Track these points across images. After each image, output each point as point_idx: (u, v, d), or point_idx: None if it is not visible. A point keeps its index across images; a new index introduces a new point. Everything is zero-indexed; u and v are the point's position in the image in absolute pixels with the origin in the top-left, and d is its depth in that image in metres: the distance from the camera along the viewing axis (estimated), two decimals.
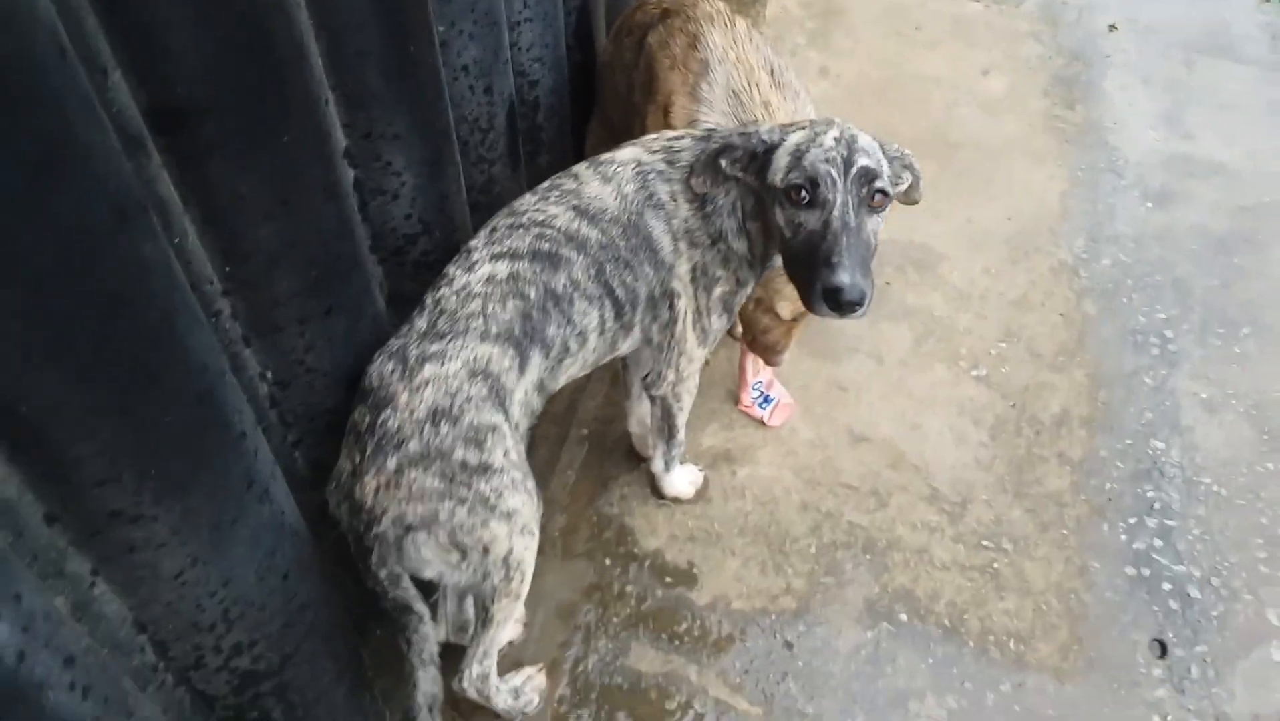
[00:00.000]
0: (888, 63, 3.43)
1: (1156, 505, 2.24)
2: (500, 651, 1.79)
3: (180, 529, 1.07)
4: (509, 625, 1.75)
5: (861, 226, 1.56)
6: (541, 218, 1.63)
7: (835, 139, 1.56)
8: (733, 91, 2.02)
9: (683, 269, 1.74)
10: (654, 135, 1.79)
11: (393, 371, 1.41)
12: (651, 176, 1.68)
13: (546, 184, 1.71)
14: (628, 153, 1.72)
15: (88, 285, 0.86)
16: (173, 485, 1.03)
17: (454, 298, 1.51)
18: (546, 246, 1.60)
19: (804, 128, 1.61)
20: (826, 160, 1.54)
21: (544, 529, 1.83)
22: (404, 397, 1.39)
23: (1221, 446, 2.36)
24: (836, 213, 1.54)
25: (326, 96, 1.30)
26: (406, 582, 1.47)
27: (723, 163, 1.62)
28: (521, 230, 1.61)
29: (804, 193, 1.55)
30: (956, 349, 2.54)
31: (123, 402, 0.94)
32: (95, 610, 1.06)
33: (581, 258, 1.62)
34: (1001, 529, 2.20)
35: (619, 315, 1.70)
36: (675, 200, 1.68)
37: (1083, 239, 2.83)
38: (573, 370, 1.72)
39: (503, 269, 1.56)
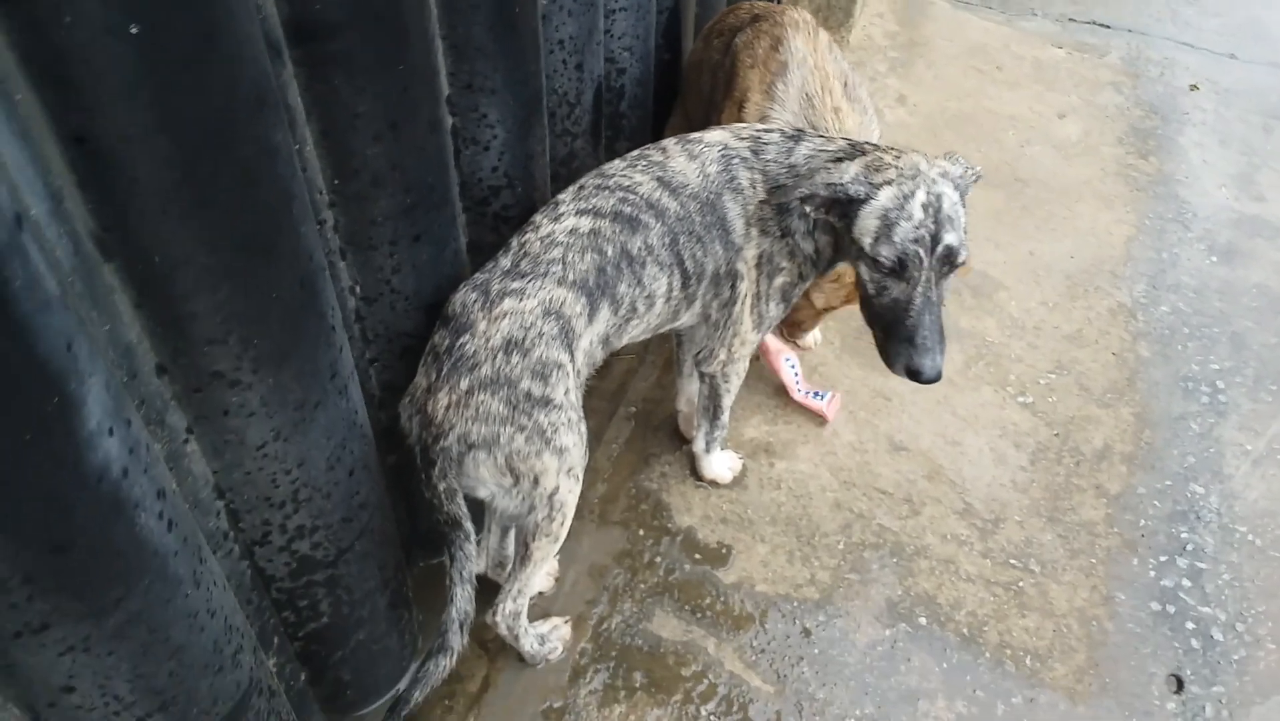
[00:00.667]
0: (965, 97, 3.49)
1: (1189, 546, 2.25)
2: (530, 600, 1.88)
3: (269, 401, 1.18)
4: (543, 569, 1.84)
5: (941, 296, 1.68)
6: (627, 183, 1.73)
7: (924, 206, 1.59)
8: (806, 94, 2.11)
9: (750, 253, 1.82)
10: (744, 125, 1.89)
11: (475, 301, 1.53)
12: (735, 161, 1.77)
13: (635, 153, 1.82)
14: (716, 135, 1.81)
15: (229, 156, 0.98)
16: (270, 357, 1.14)
17: (538, 243, 1.62)
18: (628, 210, 1.70)
19: (892, 181, 1.61)
20: (916, 240, 1.58)
21: (584, 495, 1.92)
22: (482, 326, 1.50)
23: (1261, 498, 2.36)
24: (920, 289, 1.63)
25: (439, 40, 1.41)
26: (461, 499, 1.57)
27: (807, 209, 1.68)
28: (607, 191, 1.71)
29: (891, 264, 1.62)
30: (1006, 374, 2.58)
31: (241, 268, 1.05)
32: (184, 465, 1.18)
33: (659, 225, 1.71)
34: (1031, 550, 2.22)
35: (685, 286, 1.79)
36: (754, 188, 1.77)
37: (1144, 284, 2.85)
38: (635, 331, 1.81)
39: (586, 224, 1.66)
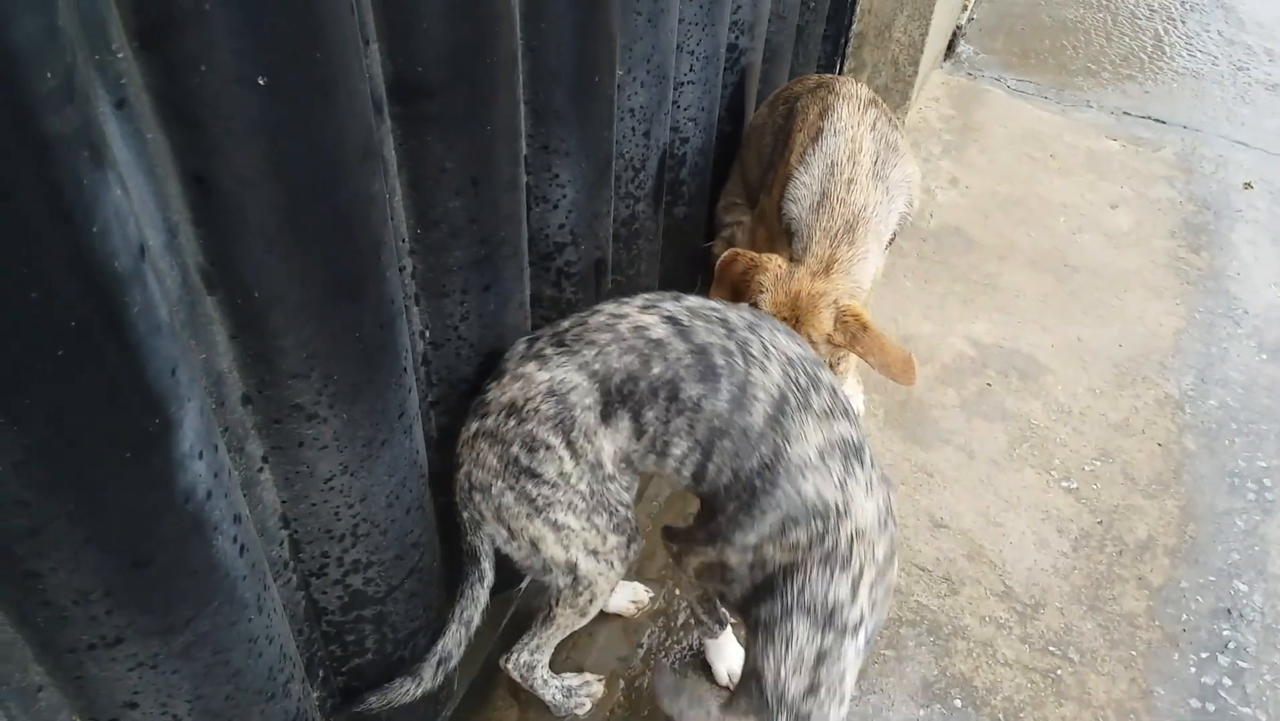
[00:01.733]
0: (1018, 182, 3.54)
1: (1231, 644, 2.21)
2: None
3: (341, 435, 1.23)
4: (561, 634, 1.82)
5: None
6: (741, 336, 1.53)
7: None
8: (831, 162, 2.18)
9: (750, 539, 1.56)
10: None
11: (517, 353, 1.57)
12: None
13: (753, 314, 1.62)
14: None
15: (331, 202, 1.04)
16: (347, 393, 1.19)
17: (600, 321, 1.56)
18: (717, 358, 1.50)
19: None
20: None
21: None
22: (506, 379, 1.54)
23: None
24: None
25: (522, 105, 1.49)
26: (484, 534, 1.62)
27: None
28: (713, 323, 1.54)
29: None
30: (1050, 458, 2.57)
31: (330, 308, 1.11)
32: (256, 493, 1.22)
33: (722, 403, 1.49)
34: (1070, 638, 2.19)
35: (696, 478, 1.58)
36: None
37: (1192, 376, 2.84)
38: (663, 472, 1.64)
39: (660, 331, 1.52)
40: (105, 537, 0.92)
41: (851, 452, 1.48)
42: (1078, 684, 2.11)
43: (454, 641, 1.65)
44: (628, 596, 2.14)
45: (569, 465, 1.54)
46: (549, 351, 1.55)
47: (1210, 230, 3.43)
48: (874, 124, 2.26)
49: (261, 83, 0.93)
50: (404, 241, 1.36)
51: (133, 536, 0.94)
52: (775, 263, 2.09)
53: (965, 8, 4.40)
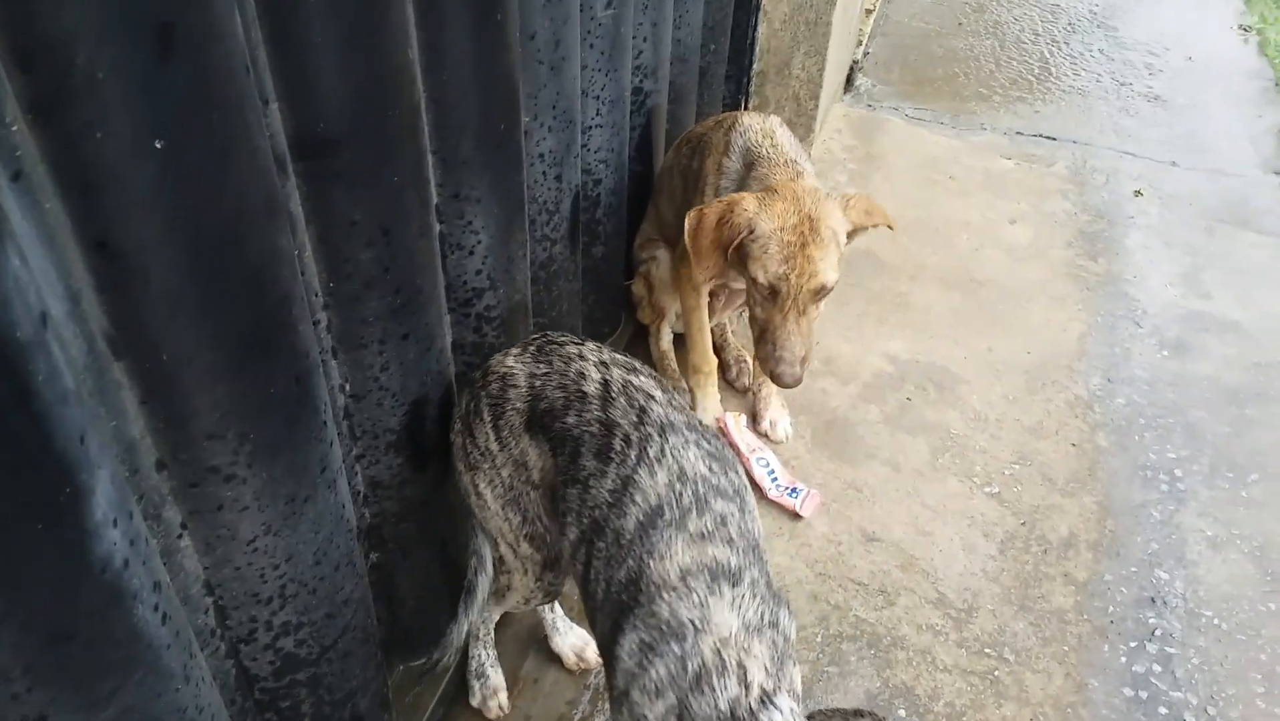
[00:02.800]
0: (921, 205, 3.68)
1: (1158, 632, 2.29)
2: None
3: (262, 495, 1.22)
4: (495, 610, 1.96)
5: None
6: (648, 429, 1.51)
7: None
8: (746, 147, 2.31)
9: None
10: None
11: (524, 340, 1.75)
12: None
13: (679, 417, 1.56)
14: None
15: (237, 260, 1.05)
16: (265, 450, 1.19)
17: (570, 351, 1.66)
18: (616, 442, 1.49)
19: None
20: None
21: (566, 594, 1.97)
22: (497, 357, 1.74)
23: (1224, 582, 2.42)
24: None
25: (429, 154, 1.51)
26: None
27: None
28: (629, 399, 1.54)
29: None
30: (971, 465, 2.66)
31: (242, 366, 1.11)
32: (177, 561, 1.20)
33: (605, 492, 1.47)
34: (1004, 638, 2.25)
35: (585, 589, 1.55)
36: None
37: (1099, 377, 2.97)
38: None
39: (591, 388, 1.57)
40: (21, 612, 0.90)
41: (722, 574, 1.35)
42: (1015, 683, 2.16)
43: (459, 632, 1.86)
44: (574, 645, 2.13)
45: (494, 445, 1.64)
46: (529, 349, 1.70)
47: (1105, 238, 3.61)
48: (779, 123, 2.38)
49: (159, 146, 0.93)
50: (317, 295, 1.36)
51: (50, 609, 0.92)
52: (747, 197, 2.15)
53: (860, 43, 4.59)
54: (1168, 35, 5.20)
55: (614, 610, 1.39)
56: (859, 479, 2.60)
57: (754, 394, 2.74)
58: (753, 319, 2.24)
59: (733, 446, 2.59)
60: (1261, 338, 3.21)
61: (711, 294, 2.61)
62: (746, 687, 1.25)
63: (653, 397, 1.55)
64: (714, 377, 2.64)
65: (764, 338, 2.18)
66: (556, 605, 2.10)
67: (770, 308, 2.14)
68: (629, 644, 1.33)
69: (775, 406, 2.70)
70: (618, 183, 2.51)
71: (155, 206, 0.96)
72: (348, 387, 1.49)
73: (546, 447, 1.59)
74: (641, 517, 1.41)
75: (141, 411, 1.07)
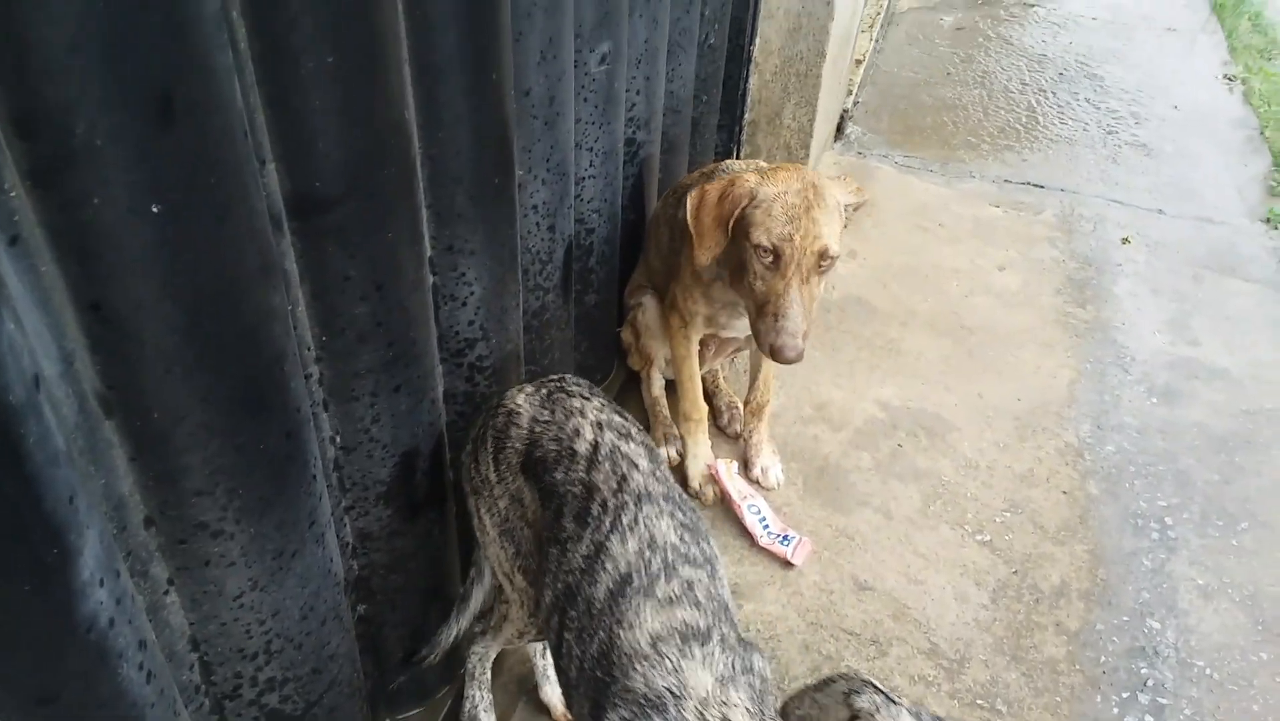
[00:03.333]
0: (911, 252, 3.72)
1: (1150, 682, 2.29)
2: None
3: (249, 550, 1.22)
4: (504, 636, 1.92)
5: None
6: (624, 496, 1.53)
7: None
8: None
9: None
10: None
11: (542, 380, 1.79)
12: None
13: (657, 486, 1.59)
14: None
15: (230, 318, 1.06)
16: (254, 507, 1.19)
17: (574, 404, 1.69)
18: (594, 507, 1.52)
19: None
20: None
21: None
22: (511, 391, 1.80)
23: (1216, 632, 2.41)
24: None
25: (424, 209, 1.53)
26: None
27: None
28: (614, 464, 1.57)
29: None
30: (963, 513, 2.66)
31: (233, 423, 1.12)
32: (163, 617, 1.20)
33: (579, 558, 1.49)
34: (996, 690, 2.24)
35: (560, 665, 1.55)
36: None
37: (1088, 425, 2.99)
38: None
39: (582, 447, 1.59)
40: (7, 674, 0.90)
41: (692, 636, 1.35)
42: None
43: (446, 635, 1.89)
44: (563, 696, 2.12)
45: (493, 475, 1.69)
46: (540, 391, 1.74)
47: (1094, 285, 3.65)
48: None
49: (155, 210, 0.95)
50: (309, 350, 1.37)
51: (36, 671, 0.92)
52: (749, 174, 2.19)
53: (850, 92, 4.67)
54: (1154, 85, 5.30)
55: (590, 689, 1.38)
56: (851, 526, 2.60)
57: (745, 440, 2.74)
58: (751, 298, 2.18)
59: (724, 493, 2.60)
60: (1249, 385, 3.23)
61: (702, 342, 2.63)
62: None
63: (636, 466, 1.57)
64: (705, 425, 2.65)
65: (764, 310, 2.12)
66: (549, 653, 2.08)
67: (772, 276, 2.11)
68: None
69: (767, 453, 2.71)
70: (611, 231, 2.54)
71: (151, 269, 0.97)
72: (338, 440, 1.50)
73: (537, 495, 1.63)
74: (611, 585, 1.41)
75: (131, 468, 1.08)
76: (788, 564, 2.46)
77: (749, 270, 2.16)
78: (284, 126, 1.19)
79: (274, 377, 1.16)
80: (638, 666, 1.32)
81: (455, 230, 1.66)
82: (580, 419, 1.64)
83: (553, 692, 2.10)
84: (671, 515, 1.51)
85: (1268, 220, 4.18)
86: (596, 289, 2.57)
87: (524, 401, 1.72)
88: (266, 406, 1.16)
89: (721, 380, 2.96)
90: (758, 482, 2.68)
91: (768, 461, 2.70)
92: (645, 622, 1.36)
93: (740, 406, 2.83)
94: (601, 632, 1.38)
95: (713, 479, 2.63)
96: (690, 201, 2.20)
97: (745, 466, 2.72)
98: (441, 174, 1.57)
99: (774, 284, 2.10)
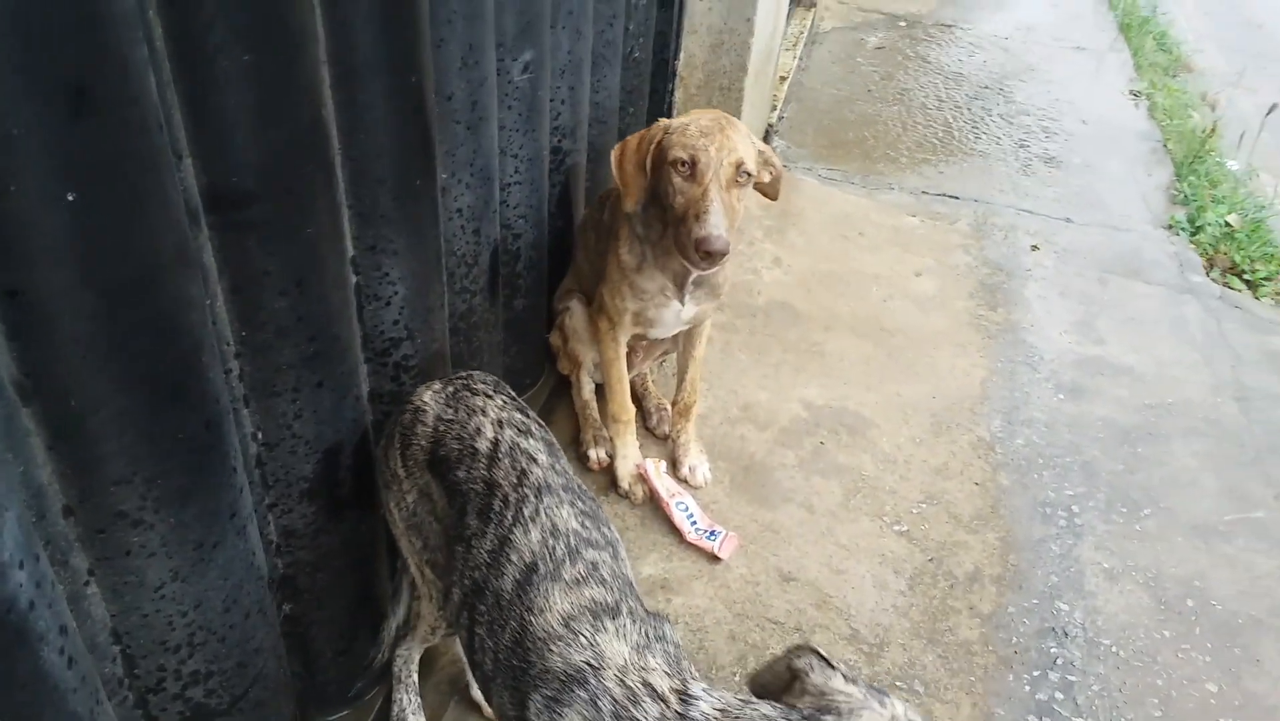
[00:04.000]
0: (833, 259, 3.85)
1: (1059, 661, 2.40)
2: None
3: (169, 540, 1.24)
4: (426, 615, 1.92)
5: None
6: (525, 490, 1.57)
7: None
8: None
9: None
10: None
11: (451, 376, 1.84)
12: None
13: (556, 479, 1.63)
14: None
15: (148, 305, 1.09)
16: (173, 496, 1.21)
17: (477, 402, 1.73)
18: (495, 502, 1.56)
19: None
20: None
21: None
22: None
23: (1121, 612, 2.54)
24: None
25: (345, 208, 1.57)
26: None
27: None
28: (514, 461, 1.60)
29: None
30: (881, 505, 2.76)
31: (151, 411, 1.14)
32: (84, 608, 1.21)
33: (484, 554, 1.53)
34: (914, 671, 2.33)
35: (472, 659, 1.57)
36: None
37: (999, 420, 3.12)
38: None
39: (483, 445, 1.62)
40: None
41: (602, 611, 1.40)
42: (926, 714, 2.23)
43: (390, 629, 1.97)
44: None
45: (400, 470, 1.72)
46: (447, 389, 1.77)
47: (1005, 289, 3.81)
48: None
49: (71, 199, 0.98)
50: (229, 345, 1.39)
51: None
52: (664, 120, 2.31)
53: (775, 107, 4.81)
54: (1063, 101, 5.55)
55: (508, 678, 1.41)
56: (776, 521, 2.68)
57: (673, 441, 2.81)
58: (674, 217, 2.22)
59: (653, 492, 2.66)
60: (1152, 381, 3.41)
61: (630, 346, 2.69)
62: (663, 700, 1.28)
63: (535, 460, 1.61)
64: (633, 426, 2.71)
65: (685, 217, 2.16)
66: None
67: (691, 186, 2.17)
68: (535, 706, 1.34)
69: (694, 452, 2.78)
70: (538, 237, 2.59)
71: (67, 256, 1.00)
72: (260, 436, 1.52)
73: (444, 492, 1.66)
74: (518, 576, 1.45)
75: (49, 456, 1.10)
76: (715, 558, 2.53)
77: (670, 192, 2.22)
78: (201, 122, 1.22)
79: (192, 367, 1.19)
80: (553, 647, 1.35)
81: (378, 230, 1.69)
82: (481, 417, 1.68)
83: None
84: (571, 504, 1.56)
85: (1169, 226, 4.41)
86: (524, 293, 2.62)
87: (430, 399, 1.75)
88: (185, 396, 1.19)
89: (650, 382, 3.02)
90: (686, 481, 2.74)
91: (695, 460, 2.77)
92: (555, 605, 1.39)
93: (668, 407, 2.89)
94: (513, 622, 1.41)
95: (642, 478, 2.69)
96: (614, 155, 2.32)
97: (674, 466, 2.78)
98: (363, 174, 1.61)
99: (693, 192, 2.17)
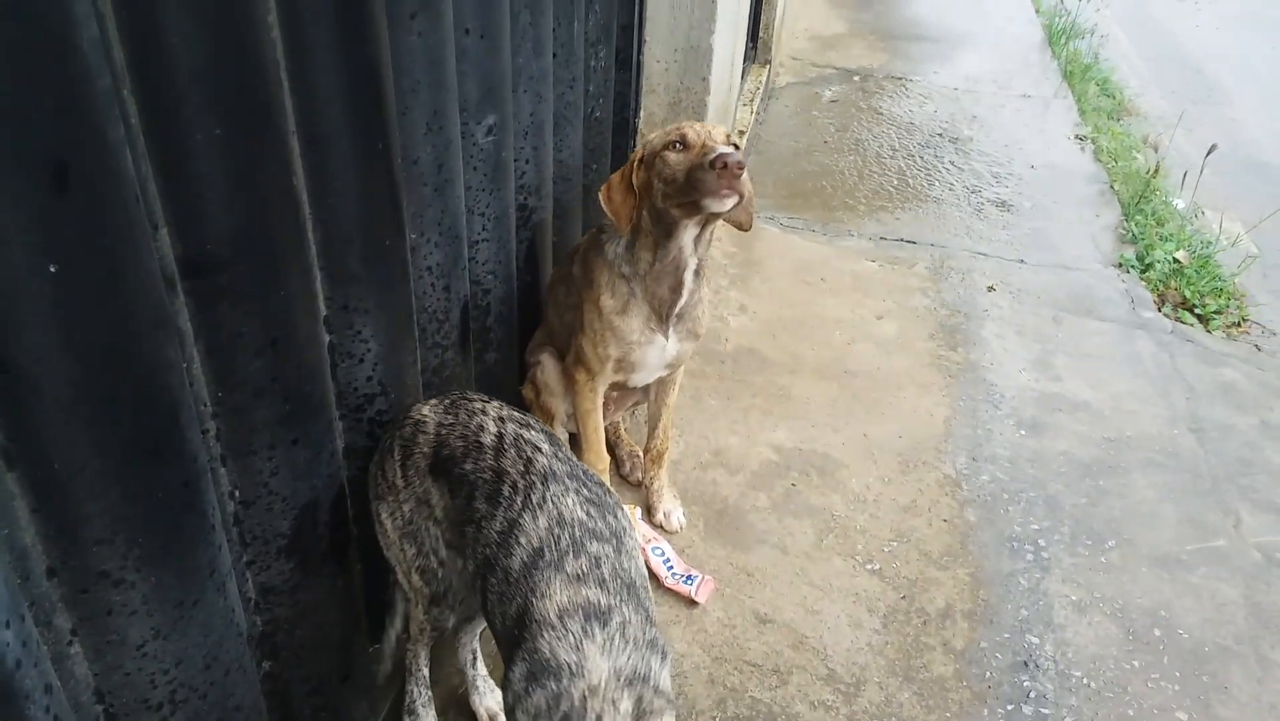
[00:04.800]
0: (797, 305, 3.95)
1: (1032, 694, 2.44)
2: None
3: (151, 599, 1.26)
4: (415, 618, 2.01)
5: None
6: (532, 477, 1.69)
7: None
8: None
9: None
10: None
11: (426, 406, 1.92)
12: None
13: (562, 466, 1.73)
14: None
15: (128, 370, 1.13)
16: (154, 555, 1.24)
17: (475, 405, 1.88)
18: (504, 488, 1.67)
19: None
20: None
21: (491, 654, 2.14)
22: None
23: (1091, 643, 2.60)
24: None
25: (317, 270, 1.62)
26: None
27: None
28: (519, 450, 1.73)
29: None
30: (853, 545, 2.81)
31: (131, 471, 1.17)
32: (68, 668, 1.22)
33: (494, 532, 1.64)
34: (891, 709, 2.36)
35: (488, 616, 1.70)
36: None
37: (964, 457, 3.20)
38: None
39: (487, 439, 1.76)
40: None
41: (595, 615, 1.47)
42: None
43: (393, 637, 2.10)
44: (490, 708, 2.21)
45: (399, 481, 1.83)
46: (444, 402, 1.91)
47: (963, 330, 3.92)
48: None
49: (53, 270, 1.02)
50: (205, 405, 1.43)
51: None
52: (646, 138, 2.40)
53: None
54: (1012, 146, 5.75)
55: (507, 642, 1.54)
56: (750, 563, 2.71)
57: (647, 487, 2.85)
58: (679, 188, 2.26)
59: None
60: (1109, 415, 3.51)
61: (604, 398, 2.74)
62: None
63: (539, 450, 1.73)
64: (608, 475, 2.75)
65: (693, 166, 2.21)
66: (480, 664, 2.21)
67: (688, 153, 2.26)
68: (518, 671, 1.46)
69: (668, 498, 2.82)
70: (507, 292, 2.65)
71: (50, 325, 1.04)
72: (237, 494, 1.55)
73: (446, 489, 1.76)
74: (525, 558, 1.56)
75: (33, 519, 1.12)
76: (692, 602, 2.56)
77: (671, 174, 2.28)
78: (175, 193, 1.27)
79: (170, 428, 1.22)
80: (545, 634, 1.46)
81: (349, 290, 1.74)
82: (482, 416, 1.82)
83: (480, 703, 2.19)
84: (577, 491, 1.66)
85: (1120, 265, 4.57)
86: (496, 346, 2.67)
87: (429, 411, 1.88)
88: (163, 456, 1.22)
89: (623, 431, 3.07)
90: (661, 527, 2.78)
91: (669, 506, 2.80)
92: (555, 595, 1.50)
93: (640, 454, 2.94)
94: (519, 598, 1.53)
95: None
96: (601, 193, 2.42)
97: (648, 512, 2.82)
98: (334, 237, 1.66)
99: (693, 152, 2.26)
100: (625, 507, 1.82)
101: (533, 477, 1.66)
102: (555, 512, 1.60)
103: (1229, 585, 2.83)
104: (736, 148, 2.29)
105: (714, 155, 2.17)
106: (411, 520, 1.84)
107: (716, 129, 2.32)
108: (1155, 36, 8.63)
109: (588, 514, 1.63)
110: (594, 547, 1.58)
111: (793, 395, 3.42)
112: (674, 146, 2.31)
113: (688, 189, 2.24)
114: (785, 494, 2.98)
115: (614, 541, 1.62)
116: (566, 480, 1.68)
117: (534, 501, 1.62)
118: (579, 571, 1.53)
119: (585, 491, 1.68)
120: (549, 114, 2.74)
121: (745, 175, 2.38)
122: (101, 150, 1.07)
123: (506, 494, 1.65)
